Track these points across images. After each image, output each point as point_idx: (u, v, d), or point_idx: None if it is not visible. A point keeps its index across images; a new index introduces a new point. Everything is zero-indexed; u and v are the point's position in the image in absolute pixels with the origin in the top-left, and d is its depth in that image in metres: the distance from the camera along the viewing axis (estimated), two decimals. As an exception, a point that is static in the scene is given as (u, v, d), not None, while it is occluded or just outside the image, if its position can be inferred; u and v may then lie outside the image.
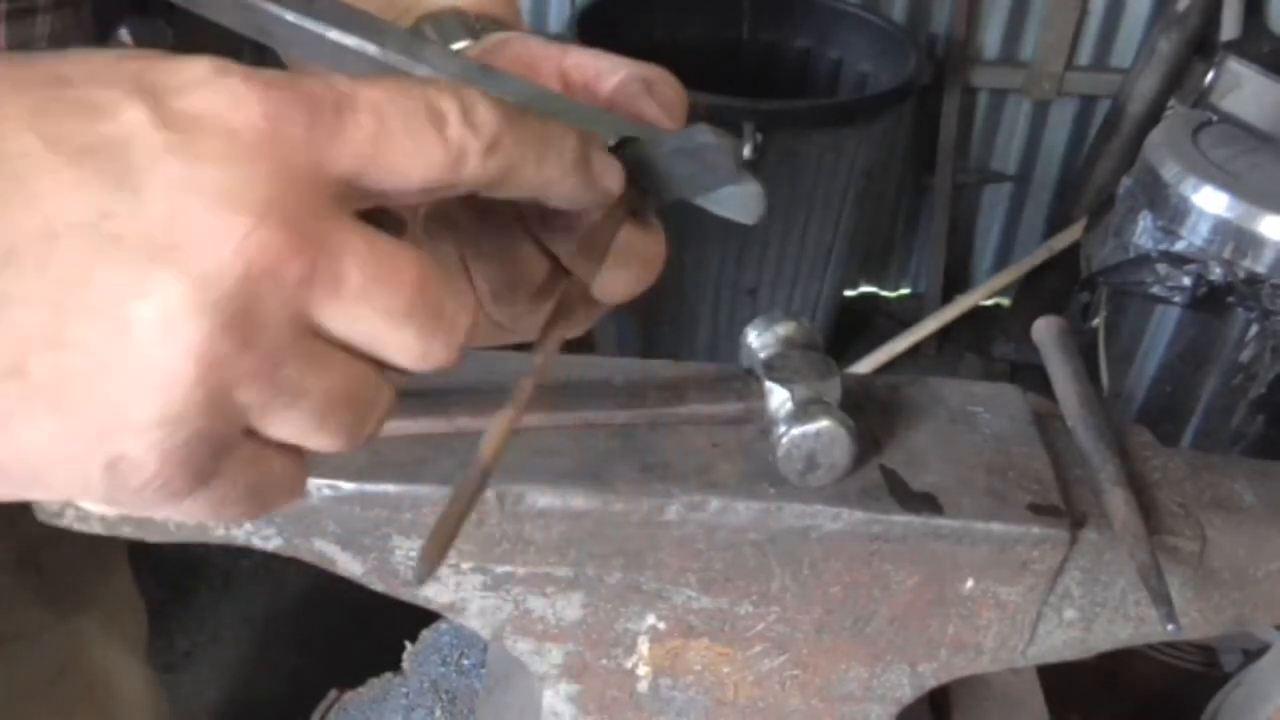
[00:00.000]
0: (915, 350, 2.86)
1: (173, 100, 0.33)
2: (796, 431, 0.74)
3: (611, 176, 0.43)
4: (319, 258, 0.33)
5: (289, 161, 0.33)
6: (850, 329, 3.01)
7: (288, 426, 0.35)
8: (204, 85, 0.33)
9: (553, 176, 0.40)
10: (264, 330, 0.33)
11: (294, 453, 0.36)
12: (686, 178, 0.48)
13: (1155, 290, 1.91)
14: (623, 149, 0.49)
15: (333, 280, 0.33)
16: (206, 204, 0.32)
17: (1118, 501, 0.79)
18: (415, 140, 0.35)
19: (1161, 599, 0.74)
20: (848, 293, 3.01)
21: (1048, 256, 2.81)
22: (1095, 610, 0.81)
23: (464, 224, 0.50)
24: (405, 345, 0.35)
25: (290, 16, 0.47)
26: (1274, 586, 0.83)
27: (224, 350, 0.32)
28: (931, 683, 0.85)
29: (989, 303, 3.01)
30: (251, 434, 0.35)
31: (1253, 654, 1.60)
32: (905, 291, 3.26)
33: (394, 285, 0.34)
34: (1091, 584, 0.80)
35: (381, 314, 0.34)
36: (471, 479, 0.40)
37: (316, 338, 0.34)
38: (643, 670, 0.85)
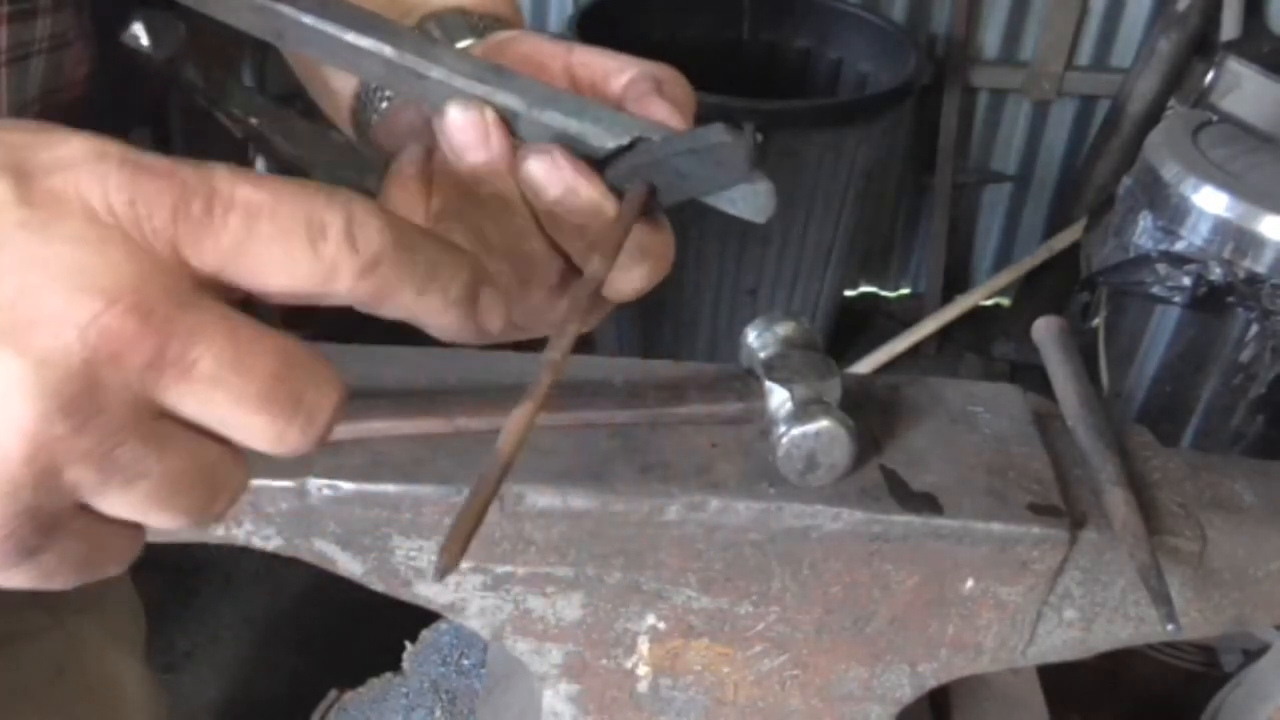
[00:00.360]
0: (915, 350, 2.86)
1: (40, 179, 0.33)
2: (796, 431, 0.74)
3: (494, 319, 0.42)
4: (168, 343, 0.33)
5: (148, 248, 0.33)
6: (850, 329, 3.01)
7: (124, 505, 0.34)
8: (75, 166, 0.33)
9: (432, 308, 0.40)
10: (103, 413, 0.32)
11: (131, 524, 0.36)
12: (700, 177, 0.49)
13: (1155, 290, 1.91)
14: (634, 148, 0.49)
15: (182, 366, 0.33)
16: (55, 284, 0.32)
17: (1117, 501, 0.79)
18: (284, 250, 0.35)
19: (1161, 599, 0.74)
20: (848, 293, 3.02)
21: (1048, 256, 2.81)
22: (1095, 610, 0.81)
23: (475, 222, 0.50)
24: (258, 431, 0.35)
25: (307, 19, 0.48)
26: (1274, 586, 0.83)
27: (58, 432, 0.32)
28: (931, 683, 0.85)
29: (989, 303, 3.01)
30: (85, 508, 0.34)
31: (1253, 654, 1.60)
32: (905, 291, 3.26)
33: (249, 373, 0.34)
34: (1091, 584, 0.80)
35: (234, 400, 0.34)
36: (491, 473, 0.40)
37: (163, 419, 0.34)
38: (643, 670, 0.85)
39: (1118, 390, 2.13)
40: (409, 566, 0.78)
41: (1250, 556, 0.82)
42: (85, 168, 0.33)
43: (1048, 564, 0.78)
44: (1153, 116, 2.68)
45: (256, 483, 0.75)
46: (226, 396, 0.34)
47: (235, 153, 2.76)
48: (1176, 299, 1.89)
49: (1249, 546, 0.82)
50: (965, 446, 0.83)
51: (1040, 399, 0.91)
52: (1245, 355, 1.91)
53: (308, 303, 0.37)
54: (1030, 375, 1.88)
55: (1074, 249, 2.54)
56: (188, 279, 0.34)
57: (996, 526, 0.77)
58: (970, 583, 0.79)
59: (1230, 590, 0.83)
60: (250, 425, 0.35)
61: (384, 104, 0.60)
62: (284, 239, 0.35)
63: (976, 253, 3.22)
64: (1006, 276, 2.90)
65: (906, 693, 0.86)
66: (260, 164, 2.85)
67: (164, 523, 0.35)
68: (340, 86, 0.63)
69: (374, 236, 0.36)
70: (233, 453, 0.36)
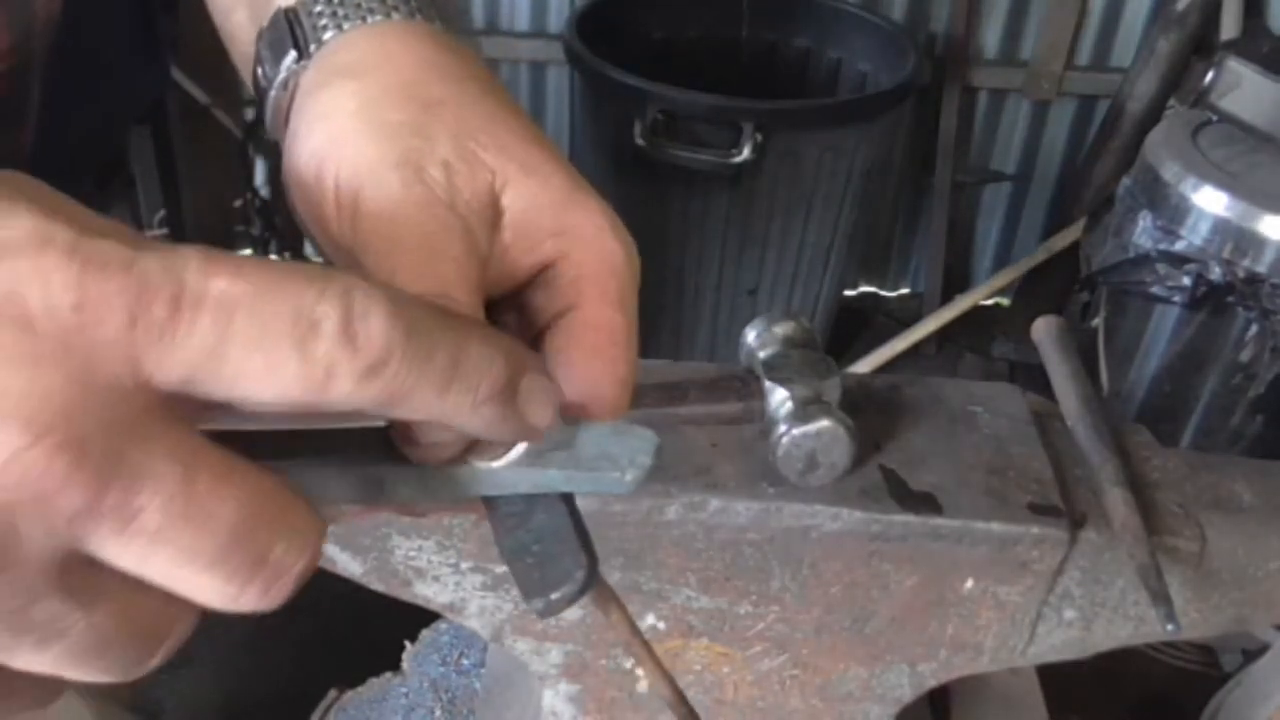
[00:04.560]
0: (915, 350, 2.86)
1: None
2: (796, 431, 0.74)
3: (541, 412, 0.35)
4: (106, 489, 0.27)
5: (94, 366, 0.27)
6: (850, 329, 3.01)
7: (38, 664, 0.29)
8: (14, 255, 0.27)
9: (460, 407, 0.33)
10: (17, 567, 0.27)
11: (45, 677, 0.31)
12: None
13: (1155, 290, 1.91)
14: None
15: (121, 517, 0.28)
16: None
17: (1117, 501, 0.79)
18: (267, 353, 0.29)
19: (1161, 599, 0.74)
20: (847, 292, 3.01)
21: (1047, 256, 2.81)
22: (1095, 610, 0.81)
23: None
24: (207, 590, 0.30)
25: None
26: (1273, 586, 0.83)
27: None
28: (931, 683, 0.85)
29: (989, 302, 3.01)
30: None
31: (1253, 654, 1.60)
32: (905, 291, 3.26)
33: (203, 527, 0.29)
34: (1091, 584, 0.80)
35: (181, 558, 0.29)
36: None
37: (91, 567, 0.29)
38: (642, 670, 0.85)
39: (1117, 390, 2.13)
40: (409, 566, 0.78)
41: (1249, 556, 0.82)
42: (26, 258, 0.27)
43: (1047, 564, 0.78)
44: (1152, 116, 2.68)
45: (256, 483, 0.75)
46: (173, 553, 0.29)
47: (235, 152, 2.76)
48: (1176, 299, 1.89)
49: (1248, 546, 0.82)
50: (965, 446, 0.83)
51: (1040, 399, 0.91)
52: (1245, 355, 1.91)
53: (304, 412, 0.31)
54: (1030, 375, 1.88)
55: (1073, 249, 2.53)
56: (142, 402, 0.28)
57: (996, 526, 0.77)
58: (970, 583, 0.79)
59: (1230, 590, 0.83)
60: (199, 584, 0.30)
61: (288, 70, 0.49)
62: (267, 340, 0.29)
63: (976, 252, 3.22)
64: (1006, 276, 2.90)
65: (906, 693, 0.86)
66: (260, 165, 2.85)
67: (87, 677, 0.30)
68: (240, 32, 0.52)
69: (377, 330, 0.30)
70: (176, 601, 0.31)
